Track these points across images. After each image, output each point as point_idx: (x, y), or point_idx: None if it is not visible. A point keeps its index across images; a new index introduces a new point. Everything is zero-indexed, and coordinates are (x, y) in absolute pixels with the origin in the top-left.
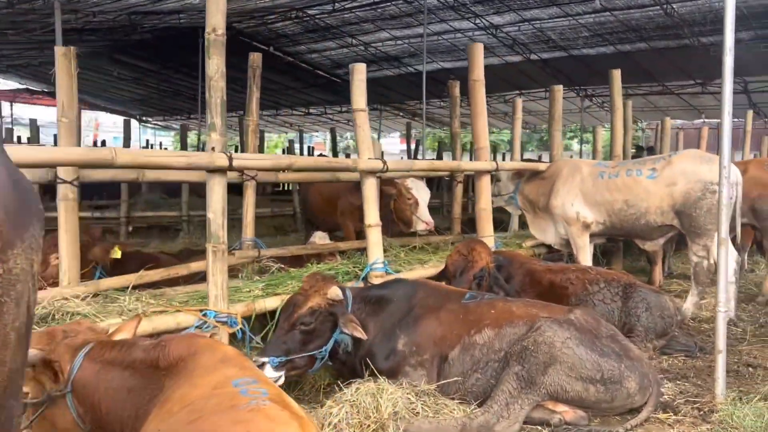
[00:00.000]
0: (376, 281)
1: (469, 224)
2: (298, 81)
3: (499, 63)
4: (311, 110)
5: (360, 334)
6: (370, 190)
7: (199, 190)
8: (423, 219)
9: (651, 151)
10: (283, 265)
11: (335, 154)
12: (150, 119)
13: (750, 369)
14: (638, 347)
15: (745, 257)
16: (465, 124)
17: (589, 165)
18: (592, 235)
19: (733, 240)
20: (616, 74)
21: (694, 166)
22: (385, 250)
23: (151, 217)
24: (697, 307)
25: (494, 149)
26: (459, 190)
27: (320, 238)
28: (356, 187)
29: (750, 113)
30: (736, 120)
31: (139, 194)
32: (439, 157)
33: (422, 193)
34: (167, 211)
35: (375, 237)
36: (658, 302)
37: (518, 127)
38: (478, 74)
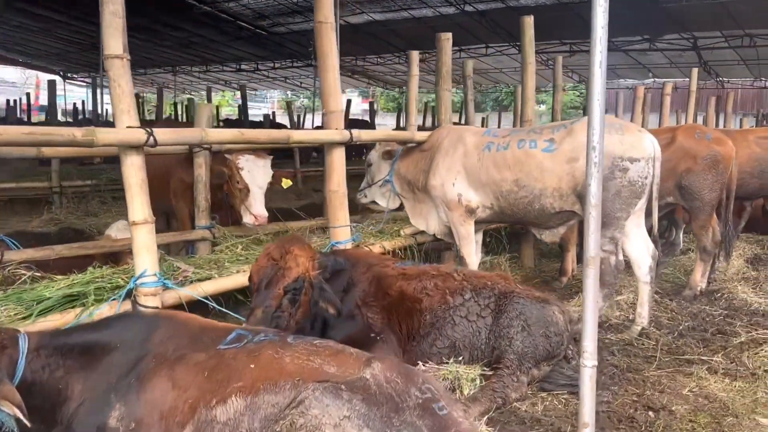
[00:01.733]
0: (149, 301)
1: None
2: (223, 34)
3: (432, 15)
4: (243, 66)
5: None
6: (131, 170)
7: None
8: (252, 210)
9: None
10: (42, 273)
11: (246, 117)
12: (76, 76)
13: (650, 414)
14: (508, 383)
15: (681, 235)
16: (428, 82)
17: (475, 134)
18: (478, 222)
19: (650, 230)
20: (528, 21)
21: None
22: (215, 245)
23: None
24: (600, 312)
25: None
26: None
27: (119, 230)
28: (188, 160)
29: (695, 71)
30: (681, 80)
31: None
32: (398, 121)
33: (257, 176)
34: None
35: (141, 239)
36: (542, 316)
37: (414, 87)
38: (326, 15)
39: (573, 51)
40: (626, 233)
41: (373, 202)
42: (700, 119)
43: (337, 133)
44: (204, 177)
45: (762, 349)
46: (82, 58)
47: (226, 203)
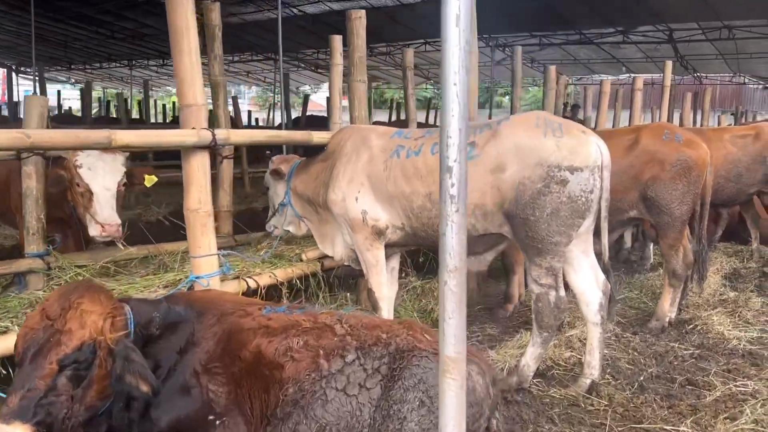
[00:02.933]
0: None
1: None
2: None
3: (392, 4)
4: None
5: None
6: None
7: None
8: (97, 218)
9: (575, 110)
10: None
11: (147, 114)
12: (29, 70)
13: None
14: None
15: (651, 247)
16: (395, 77)
17: (382, 136)
18: (390, 246)
19: (599, 257)
20: None
21: (532, 140)
22: (51, 269)
23: None
24: (540, 360)
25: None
26: (227, 169)
27: None
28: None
29: (669, 64)
30: (655, 76)
31: None
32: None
33: (101, 174)
34: None
35: None
36: None
37: (336, 75)
38: None
39: (543, 44)
40: (570, 261)
41: (287, 232)
42: (676, 117)
43: (190, 134)
44: (35, 190)
45: (741, 411)
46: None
47: (75, 217)
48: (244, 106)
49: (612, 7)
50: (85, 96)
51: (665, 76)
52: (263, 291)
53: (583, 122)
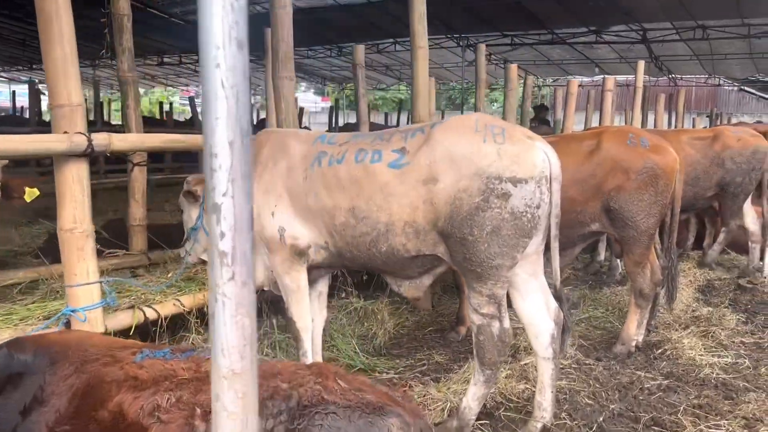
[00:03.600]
0: None
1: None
2: (134, 23)
3: (360, 2)
4: (165, 59)
5: None
6: None
7: None
8: None
9: (544, 111)
10: None
11: (102, 116)
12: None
13: None
14: None
15: (620, 264)
16: (377, 81)
17: (304, 141)
18: (315, 269)
19: (551, 281)
20: None
21: (469, 146)
22: None
23: None
24: (483, 400)
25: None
26: (139, 177)
27: None
28: None
29: (641, 64)
30: (629, 77)
31: None
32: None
33: None
34: None
35: None
36: None
37: (267, 74)
38: None
39: (515, 44)
40: (516, 286)
41: (202, 261)
42: (650, 119)
43: (59, 139)
44: None
45: None
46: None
47: None
48: None
49: (585, 7)
50: (31, 96)
51: (637, 77)
52: (164, 322)
53: (552, 125)
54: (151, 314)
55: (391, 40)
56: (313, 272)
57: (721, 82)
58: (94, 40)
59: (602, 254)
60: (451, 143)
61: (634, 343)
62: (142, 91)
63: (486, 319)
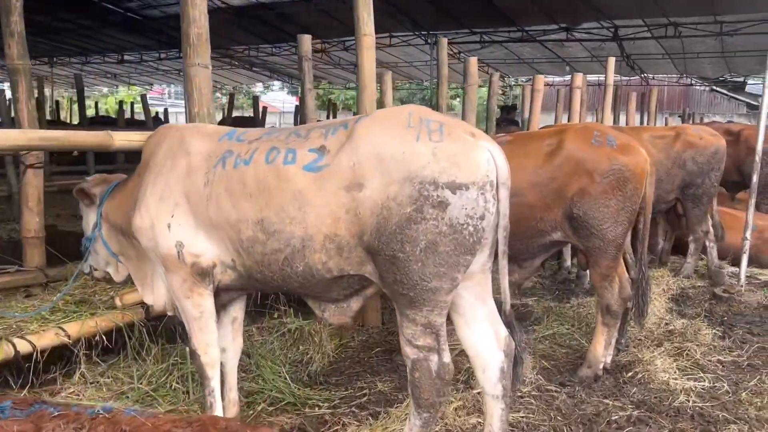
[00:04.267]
0: None
1: None
2: (92, 19)
3: None
4: (126, 57)
5: None
6: None
7: None
8: None
9: (511, 111)
10: None
11: (84, 115)
12: None
13: None
14: None
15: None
16: (347, 80)
17: (209, 138)
18: (224, 291)
19: (500, 306)
20: None
21: (400, 145)
22: None
23: None
24: None
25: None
26: (34, 182)
27: None
28: None
29: (611, 60)
30: (601, 77)
31: None
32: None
33: None
34: None
35: None
36: None
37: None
38: None
39: (484, 41)
40: (460, 311)
41: (106, 274)
42: (622, 119)
43: None
44: None
45: None
46: None
47: None
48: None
49: (555, 3)
50: None
51: (608, 74)
52: (41, 356)
53: (519, 125)
54: (24, 347)
55: (386, 34)
56: (223, 295)
57: (692, 81)
58: (39, 35)
59: (568, 260)
60: (378, 141)
61: (601, 366)
62: (105, 90)
63: (422, 353)
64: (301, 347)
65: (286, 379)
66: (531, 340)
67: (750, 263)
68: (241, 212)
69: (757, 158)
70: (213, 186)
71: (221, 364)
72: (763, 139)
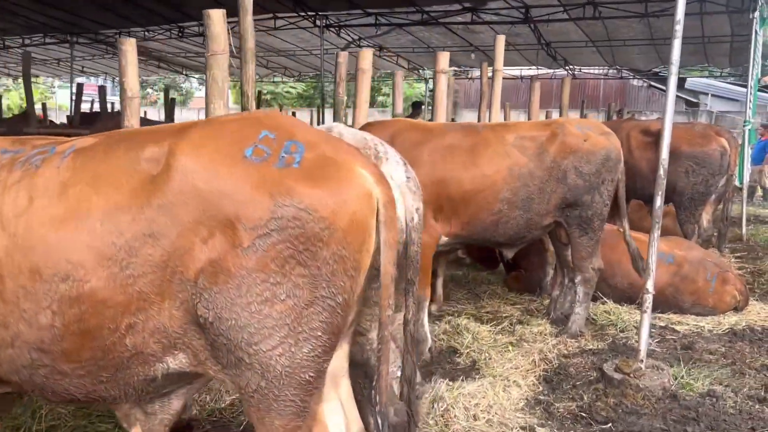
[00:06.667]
0: None
1: None
2: None
3: None
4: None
5: None
6: None
7: None
8: None
9: (417, 107)
10: None
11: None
12: None
13: None
14: None
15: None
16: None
17: None
18: None
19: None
20: None
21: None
22: None
23: None
24: None
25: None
26: None
27: None
28: None
29: (501, 39)
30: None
31: None
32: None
33: None
34: None
35: None
36: None
37: None
38: None
39: (380, 24)
40: None
41: None
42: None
43: None
44: None
45: None
46: None
47: None
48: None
49: None
50: None
51: (496, 58)
52: None
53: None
54: None
55: (270, 15)
56: None
57: (624, 74)
58: None
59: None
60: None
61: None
62: (8, 82)
63: None
64: None
65: None
66: None
67: (666, 309)
68: None
69: (662, 171)
70: None
71: None
72: (668, 146)
